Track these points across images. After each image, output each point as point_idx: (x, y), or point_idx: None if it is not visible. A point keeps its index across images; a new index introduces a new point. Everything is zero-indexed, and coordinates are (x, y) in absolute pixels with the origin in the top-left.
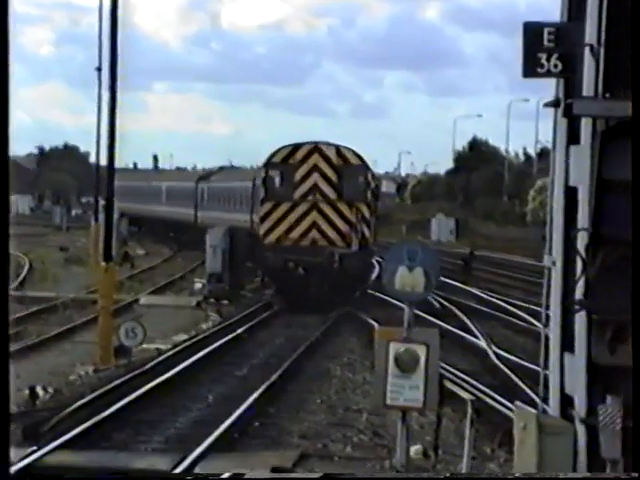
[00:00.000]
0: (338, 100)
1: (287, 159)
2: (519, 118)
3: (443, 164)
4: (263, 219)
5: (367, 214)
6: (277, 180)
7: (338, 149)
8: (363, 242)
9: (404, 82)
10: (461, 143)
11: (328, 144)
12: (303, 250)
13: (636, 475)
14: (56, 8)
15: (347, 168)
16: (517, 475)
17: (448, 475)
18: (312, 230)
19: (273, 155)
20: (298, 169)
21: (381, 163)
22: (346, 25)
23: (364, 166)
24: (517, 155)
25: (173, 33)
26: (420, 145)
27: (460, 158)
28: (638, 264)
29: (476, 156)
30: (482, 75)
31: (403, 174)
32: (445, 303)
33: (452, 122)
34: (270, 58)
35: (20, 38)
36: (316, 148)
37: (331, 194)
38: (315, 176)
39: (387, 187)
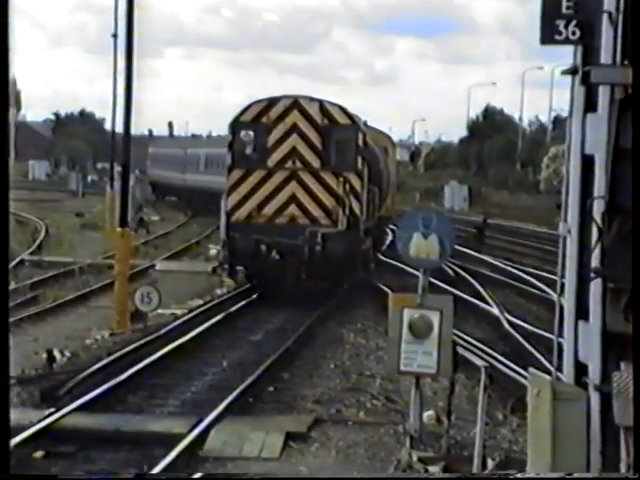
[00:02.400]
0: (350, 68)
1: (260, 117)
2: (533, 86)
3: (456, 132)
4: (230, 191)
5: (357, 185)
6: (247, 143)
7: (322, 105)
8: (352, 220)
9: (415, 50)
10: (475, 111)
11: (311, 99)
12: (279, 229)
13: (636, 475)
14: None
15: (333, 129)
16: (518, 475)
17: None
18: (290, 205)
19: (243, 112)
20: (273, 130)
21: (394, 131)
22: None
23: (354, 126)
24: (531, 123)
25: (184, 1)
26: (433, 113)
27: (474, 126)
28: (638, 264)
29: (490, 124)
30: (494, 43)
31: (416, 142)
32: (459, 271)
33: (464, 90)
34: (281, 25)
35: (35, 5)
36: (295, 103)
37: (313, 161)
38: (294, 138)
39: (400, 155)
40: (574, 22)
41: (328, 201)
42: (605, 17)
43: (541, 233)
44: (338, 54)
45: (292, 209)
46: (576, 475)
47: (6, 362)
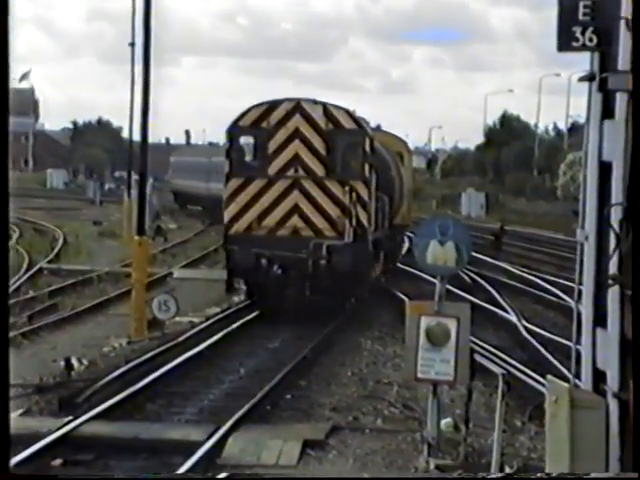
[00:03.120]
0: (366, 76)
1: (260, 122)
2: (549, 93)
3: (473, 139)
4: (228, 202)
5: (365, 194)
6: (247, 150)
7: (326, 108)
8: (359, 231)
9: (432, 58)
10: (491, 118)
11: (314, 102)
12: (281, 242)
13: (636, 475)
14: None
15: (338, 134)
16: (522, 475)
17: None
18: (293, 216)
19: (241, 116)
20: (274, 135)
21: (411, 138)
22: (373, 1)
23: (361, 131)
24: (547, 130)
25: (200, 9)
26: (450, 120)
27: (490, 133)
28: (638, 266)
29: (506, 131)
30: (510, 50)
31: (433, 149)
32: (476, 278)
33: (481, 97)
34: (297, 34)
35: (50, 14)
36: (298, 107)
37: (317, 169)
38: (296, 144)
39: (417, 162)
40: (591, 29)
41: (333, 211)
42: (622, 23)
43: (558, 240)
44: (354, 62)
45: (295, 220)
46: (577, 475)
47: (6, 362)
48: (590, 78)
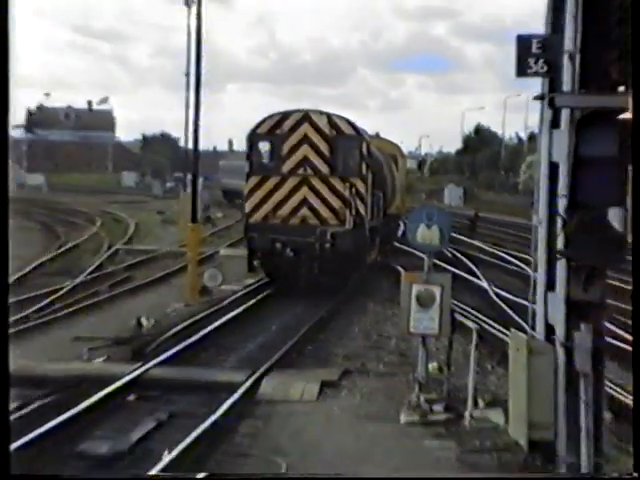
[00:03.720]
0: (370, 97)
1: (274, 129)
2: (512, 109)
3: (454, 145)
4: (249, 196)
5: (362, 189)
6: (263, 152)
7: (330, 118)
8: (358, 219)
9: (420, 83)
10: (467, 129)
11: (320, 112)
12: (292, 229)
13: (636, 475)
14: (151, 28)
15: (340, 139)
16: (517, 476)
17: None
18: (302, 207)
19: (259, 125)
20: (286, 140)
21: (405, 145)
22: (374, 39)
23: (359, 137)
24: (511, 138)
25: (239, 45)
26: (435, 131)
27: (467, 141)
28: (638, 265)
29: (479, 139)
30: (481, 77)
31: (422, 153)
32: (456, 253)
33: (459, 114)
34: (316, 64)
35: (126, 52)
36: (306, 117)
37: (323, 168)
38: (305, 148)
39: (410, 164)
40: (542, 60)
41: (336, 203)
42: (566, 56)
43: (520, 223)
44: (361, 86)
45: (304, 211)
46: (577, 475)
47: (6, 362)
48: (542, 98)
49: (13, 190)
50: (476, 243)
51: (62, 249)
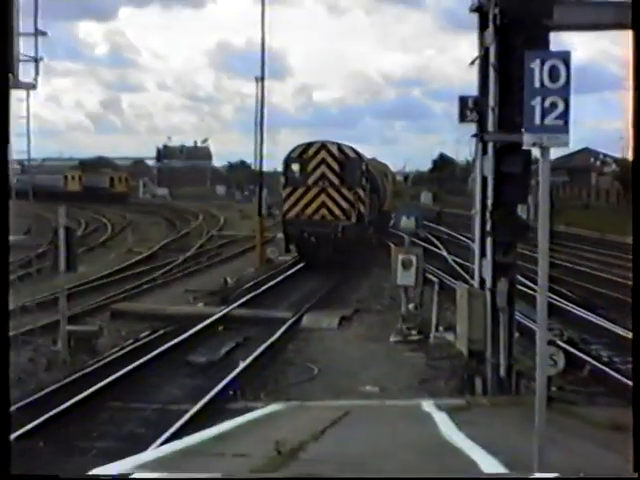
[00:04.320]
0: (372, 136)
1: (302, 154)
2: (461, 143)
3: (427, 166)
4: (285, 200)
5: (362, 195)
6: (295, 170)
7: (340, 146)
8: (360, 217)
9: (405, 127)
10: (435, 156)
11: (332, 142)
12: (315, 223)
13: (636, 475)
14: (234, 94)
15: (347, 161)
16: (514, 475)
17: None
18: (322, 208)
19: (291, 152)
20: (310, 162)
21: (394, 166)
22: (374, 98)
23: (360, 159)
24: (462, 161)
25: (289, 105)
26: (415, 156)
27: (435, 164)
28: (638, 264)
29: (443, 163)
30: (440, 123)
31: (407, 170)
32: (427, 234)
33: (430, 147)
34: (337, 115)
35: (218, 110)
36: (323, 146)
37: (335, 181)
38: (323, 167)
39: (399, 178)
40: (475, 112)
41: (345, 205)
42: (490, 109)
43: (467, 215)
44: (367, 129)
45: (323, 211)
46: (577, 475)
47: (6, 361)
48: (476, 135)
49: (148, 198)
50: (441, 228)
51: (178, 235)
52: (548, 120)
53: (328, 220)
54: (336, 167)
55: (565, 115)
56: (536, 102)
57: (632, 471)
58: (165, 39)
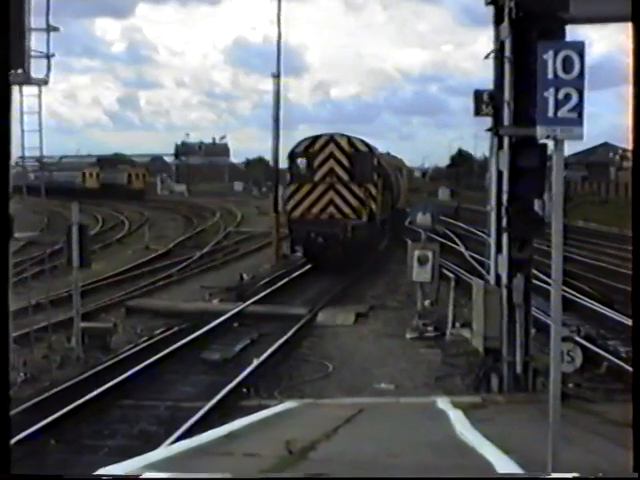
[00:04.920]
0: (390, 132)
1: (308, 149)
2: (481, 138)
3: (445, 162)
4: (289, 198)
5: (374, 192)
6: (301, 166)
7: (349, 139)
8: (371, 215)
9: (422, 123)
10: (454, 151)
11: (341, 135)
12: (322, 222)
13: (636, 475)
14: (251, 91)
15: (357, 154)
16: (530, 475)
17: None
18: (330, 206)
19: (297, 146)
20: (317, 156)
21: (414, 162)
22: (392, 95)
23: (371, 153)
24: (480, 157)
25: (307, 101)
26: (433, 153)
27: (453, 159)
28: (638, 264)
29: (461, 158)
30: (460, 120)
31: (425, 166)
32: (445, 230)
33: (448, 142)
34: (355, 112)
35: (235, 107)
36: (331, 139)
37: (344, 176)
38: (331, 162)
39: (417, 174)
40: (490, 105)
41: (355, 203)
42: (505, 103)
43: (485, 210)
44: (384, 125)
45: (331, 209)
46: (577, 475)
47: (6, 361)
48: (491, 130)
49: (166, 195)
50: (458, 223)
51: (195, 231)
52: (562, 112)
53: (337, 219)
54: (345, 162)
55: (579, 107)
56: (549, 93)
57: (632, 471)
58: (182, 36)
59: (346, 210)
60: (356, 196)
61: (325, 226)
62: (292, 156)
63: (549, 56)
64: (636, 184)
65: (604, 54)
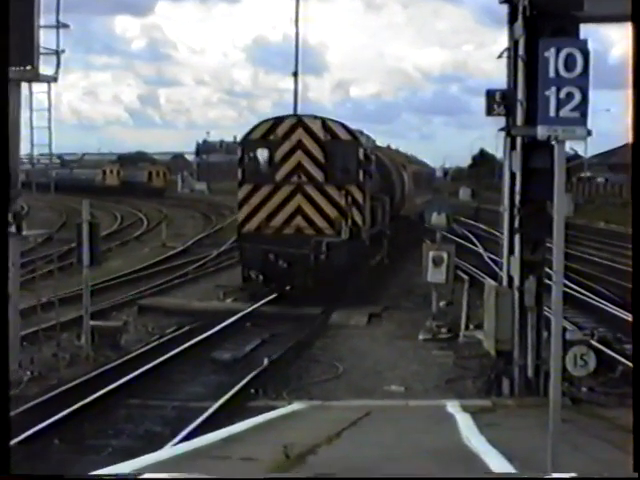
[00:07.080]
0: (410, 131)
1: (267, 135)
2: (496, 137)
3: (466, 162)
4: (241, 204)
5: (359, 197)
6: (256, 159)
7: (324, 122)
8: (354, 230)
9: (443, 123)
10: (475, 151)
11: (314, 117)
12: (286, 240)
13: (636, 475)
14: (271, 90)
15: (335, 144)
16: (530, 475)
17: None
18: (296, 216)
19: (251, 131)
20: (280, 146)
21: (433, 162)
22: (412, 94)
23: (355, 142)
24: (500, 158)
25: (327, 100)
26: (454, 153)
27: (475, 159)
28: (638, 264)
29: (483, 159)
30: (481, 120)
31: (447, 166)
32: (464, 231)
33: (469, 142)
34: (375, 111)
35: (255, 105)
36: (300, 122)
37: (318, 175)
38: (299, 154)
39: (439, 174)
40: (502, 105)
41: (332, 212)
42: (518, 103)
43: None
44: (404, 125)
45: (298, 220)
46: (577, 475)
47: (6, 361)
48: (503, 129)
49: (187, 193)
50: (478, 224)
51: (213, 229)
52: (563, 112)
53: (306, 234)
54: (319, 154)
55: (582, 107)
56: (550, 92)
57: (632, 471)
58: (201, 34)
59: (320, 222)
60: (333, 203)
61: (290, 244)
62: (244, 145)
63: (551, 54)
64: (636, 184)
65: (626, 54)
